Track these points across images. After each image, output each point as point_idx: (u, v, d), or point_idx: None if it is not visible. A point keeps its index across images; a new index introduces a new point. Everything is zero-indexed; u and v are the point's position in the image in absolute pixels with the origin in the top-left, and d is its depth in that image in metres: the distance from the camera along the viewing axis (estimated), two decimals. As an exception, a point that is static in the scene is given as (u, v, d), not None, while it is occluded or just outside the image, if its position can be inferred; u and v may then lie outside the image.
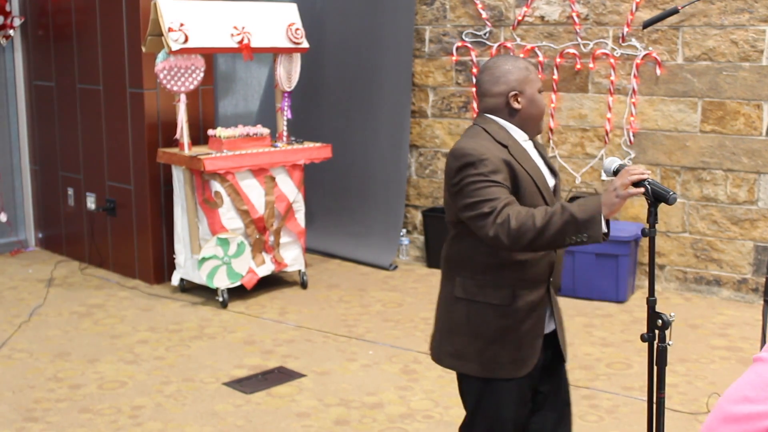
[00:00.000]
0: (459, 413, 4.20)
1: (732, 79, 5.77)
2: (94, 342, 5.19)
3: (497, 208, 2.62)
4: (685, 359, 4.88)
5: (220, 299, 5.81)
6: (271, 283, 6.27)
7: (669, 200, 2.64)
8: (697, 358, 4.92)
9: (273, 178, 5.96)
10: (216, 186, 5.72)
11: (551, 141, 6.42)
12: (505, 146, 2.80)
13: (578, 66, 6.26)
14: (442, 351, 2.93)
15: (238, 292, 6.00)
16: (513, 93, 2.84)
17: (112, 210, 6.57)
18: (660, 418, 2.71)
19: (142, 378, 4.66)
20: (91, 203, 6.76)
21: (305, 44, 6.16)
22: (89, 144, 6.72)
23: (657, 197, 2.66)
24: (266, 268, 6.04)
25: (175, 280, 6.12)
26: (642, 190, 2.54)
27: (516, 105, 2.86)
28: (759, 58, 5.67)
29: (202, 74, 5.75)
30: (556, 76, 6.34)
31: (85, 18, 6.58)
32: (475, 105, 6.69)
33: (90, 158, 6.73)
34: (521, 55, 6.44)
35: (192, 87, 5.73)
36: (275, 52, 6.09)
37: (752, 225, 5.82)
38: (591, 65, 6.22)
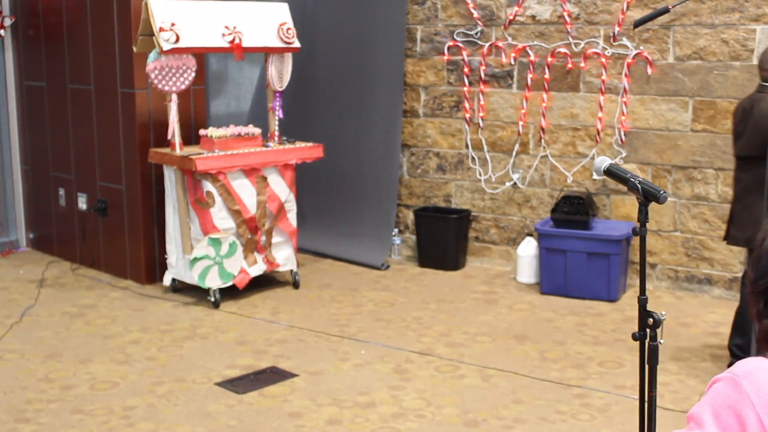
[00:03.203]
0: (451, 413, 4.21)
1: (723, 78, 5.79)
2: (86, 342, 5.18)
3: None
4: (677, 358, 4.89)
5: (212, 299, 5.80)
6: (263, 283, 6.27)
7: (660, 199, 2.66)
8: (688, 356, 4.93)
9: (265, 178, 5.96)
10: (208, 186, 5.71)
11: (543, 140, 6.43)
12: None
13: (569, 65, 6.27)
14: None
15: (230, 292, 6.00)
16: None
17: (104, 210, 6.56)
18: (652, 416, 2.72)
19: (134, 378, 4.65)
20: (82, 203, 6.75)
21: (297, 44, 6.16)
22: (80, 144, 6.71)
23: (648, 196, 2.66)
24: (258, 268, 6.03)
25: (166, 280, 6.11)
26: None
27: None
28: (749, 57, 5.69)
29: (193, 74, 5.74)
30: (547, 76, 6.35)
31: (75, 18, 6.57)
32: (466, 105, 6.70)
33: (81, 158, 6.72)
34: (513, 55, 6.45)
35: (183, 87, 5.72)
36: (267, 52, 6.09)
37: (743, 224, 5.83)
38: (582, 64, 6.23)
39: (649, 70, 6.00)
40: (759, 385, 1.58)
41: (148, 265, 6.31)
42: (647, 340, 2.69)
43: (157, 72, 5.59)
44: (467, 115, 6.72)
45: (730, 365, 2.73)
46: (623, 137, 6.14)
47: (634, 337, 2.73)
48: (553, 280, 6.04)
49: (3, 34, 7.06)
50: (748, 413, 1.56)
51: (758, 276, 1.73)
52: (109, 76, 6.33)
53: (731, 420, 1.58)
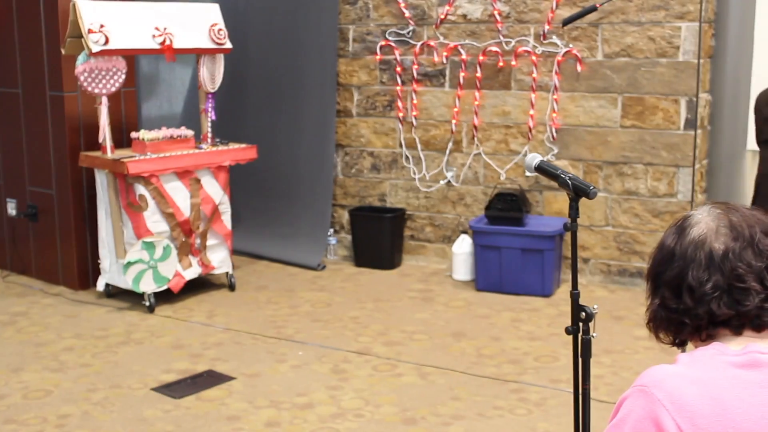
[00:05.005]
0: (389, 411, 4.23)
1: (650, 75, 5.90)
2: (18, 351, 5.08)
3: None
4: (610, 350, 4.97)
5: (147, 304, 5.74)
6: (199, 286, 6.22)
7: (589, 194, 2.69)
8: (621, 349, 5.02)
9: (198, 180, 5.91)
10: (140, 189, 5.65)
11: (476, 138, 6.48)
12: None
13: (501, 64, 6.33)
14: None
15: (165, 296, 5.94)
16: None
17: (34, 215, 6.44)
18: (586, 409, 2.76)
19: (68, 386, 4.58)
20: (11, 209, 6.62)
21: (228, 45, 6.12)
22: (9, 149, 6.58)
23: (578, 192, 2.70)
24: (193, 271, 5.99)
25: (100, 285, 6.03)
26: None
27: None
28: (675, 53, 5.80)
29: (123, 76, 5.68)
30: (479, 74, 6.40)
31: (1, 19, 6.44)
32: (399, 104, 6.72)
33: (10, 163, 6.60)
34: (444, 54, 6.49)
35: (113, 89, 5.65)
36: (198, 53, 6.04)
37: (672, 217, 5.95)
38: (513, 63, 6.30)
39: (579, 68, 6.08)
40: (670, 391, 1.58)
41: (81, 271, 6.22)
42: (580, 334, 2.73)
43: (86, 74, 5.51)
44: (400, 114, 6.74)
45: None
46: (554, 134, 6.22)
47: (568, 331, 2.76)
48: (489, 277, 6.09)
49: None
50: (666, 420, 1.56)
51: (652, 263, 1.87)
52: (37, 79, 6.22)
53: (652, 430, 1.58)
